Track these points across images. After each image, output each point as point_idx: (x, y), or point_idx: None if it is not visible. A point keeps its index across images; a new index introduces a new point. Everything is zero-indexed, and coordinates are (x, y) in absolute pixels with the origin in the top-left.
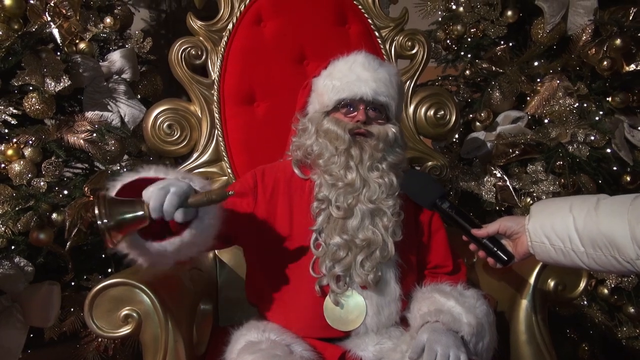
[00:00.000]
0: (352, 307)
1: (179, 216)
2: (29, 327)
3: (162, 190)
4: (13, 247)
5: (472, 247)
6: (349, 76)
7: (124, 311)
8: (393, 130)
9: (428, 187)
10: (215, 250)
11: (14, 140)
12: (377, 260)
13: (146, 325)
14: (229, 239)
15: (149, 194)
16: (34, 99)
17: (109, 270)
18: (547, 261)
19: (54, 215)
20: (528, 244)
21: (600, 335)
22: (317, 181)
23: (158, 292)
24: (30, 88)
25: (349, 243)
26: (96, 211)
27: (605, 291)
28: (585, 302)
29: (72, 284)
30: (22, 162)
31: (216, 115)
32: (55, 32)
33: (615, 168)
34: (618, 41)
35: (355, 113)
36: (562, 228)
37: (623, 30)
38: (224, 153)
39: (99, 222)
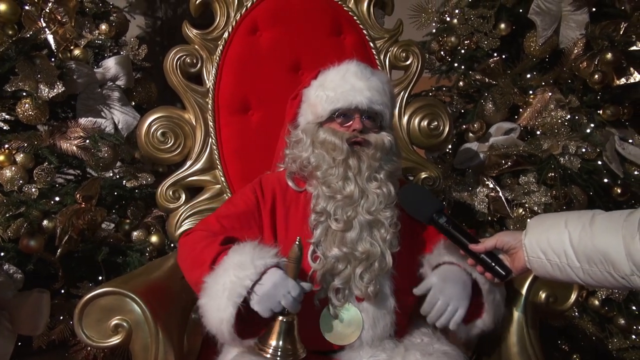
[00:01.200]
0: (349, 320)
1: (306, 288)
2: (17, 335)
3: (278, 292)
4: (3, 254)
5: (470, 262)
6: (343, 86)
7: (114, 321)
8: (389, 138)
9: (425, 201)
10: None
11: (6, 145)
12: (375, 272)
13: (136, 335)
14: None
15: (270, 303)
16: (27, 105)
17: (100, 278)
18: (544, 276)
19: (45, 222)
20: (525, 259)
21: (591, 347)
22: (314, 193)
23: (149, 302)
24: (24, 94)
25: (348, 256)
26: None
27: (596, 302)
28: (577, 314)
29: (62, 291)
30: (13, 168)
31: (210, 123)
32: (50, 38)
33: (606, 180)
34: (609, 55)
35: (351, 122)
36: (557, 243)
37: (614, 44)
38: (217, 161)
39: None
